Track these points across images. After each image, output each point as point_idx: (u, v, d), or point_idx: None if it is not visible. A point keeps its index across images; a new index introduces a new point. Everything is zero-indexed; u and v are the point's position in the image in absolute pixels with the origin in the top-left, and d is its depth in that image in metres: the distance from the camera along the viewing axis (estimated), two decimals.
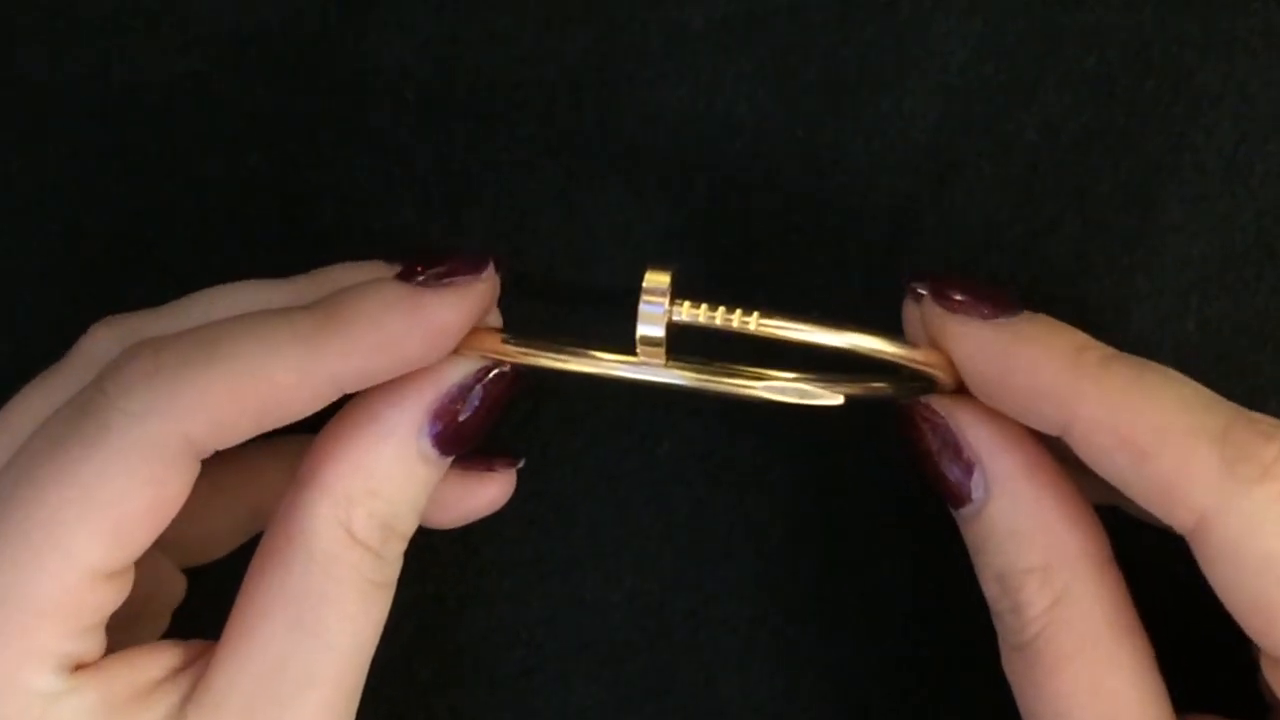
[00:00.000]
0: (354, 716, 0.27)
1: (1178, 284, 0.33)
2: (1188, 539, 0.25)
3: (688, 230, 0.34)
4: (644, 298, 0.26)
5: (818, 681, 0.34)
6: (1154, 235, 0.33)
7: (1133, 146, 0.33)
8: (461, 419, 0.27)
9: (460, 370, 0.27)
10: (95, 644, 0.26)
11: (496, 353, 0.28)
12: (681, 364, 0.27)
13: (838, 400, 0.27)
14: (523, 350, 0.27)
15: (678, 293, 0.27)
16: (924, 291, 0.27)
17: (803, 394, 0.27)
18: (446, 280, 0.26)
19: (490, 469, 0.31)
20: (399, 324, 0.26)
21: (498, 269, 0.28)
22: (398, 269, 0.27)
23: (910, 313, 0.29)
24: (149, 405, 0.25)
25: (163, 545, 0.30)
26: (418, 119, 0.34)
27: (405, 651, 0.34)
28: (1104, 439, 0.25)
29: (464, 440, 0.27)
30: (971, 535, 0.27)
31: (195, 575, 0.32)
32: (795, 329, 0.27)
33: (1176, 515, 0.25)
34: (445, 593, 0.34)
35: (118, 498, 0.25)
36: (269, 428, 0.26)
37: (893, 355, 0.27)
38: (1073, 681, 0.26)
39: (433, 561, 0.34)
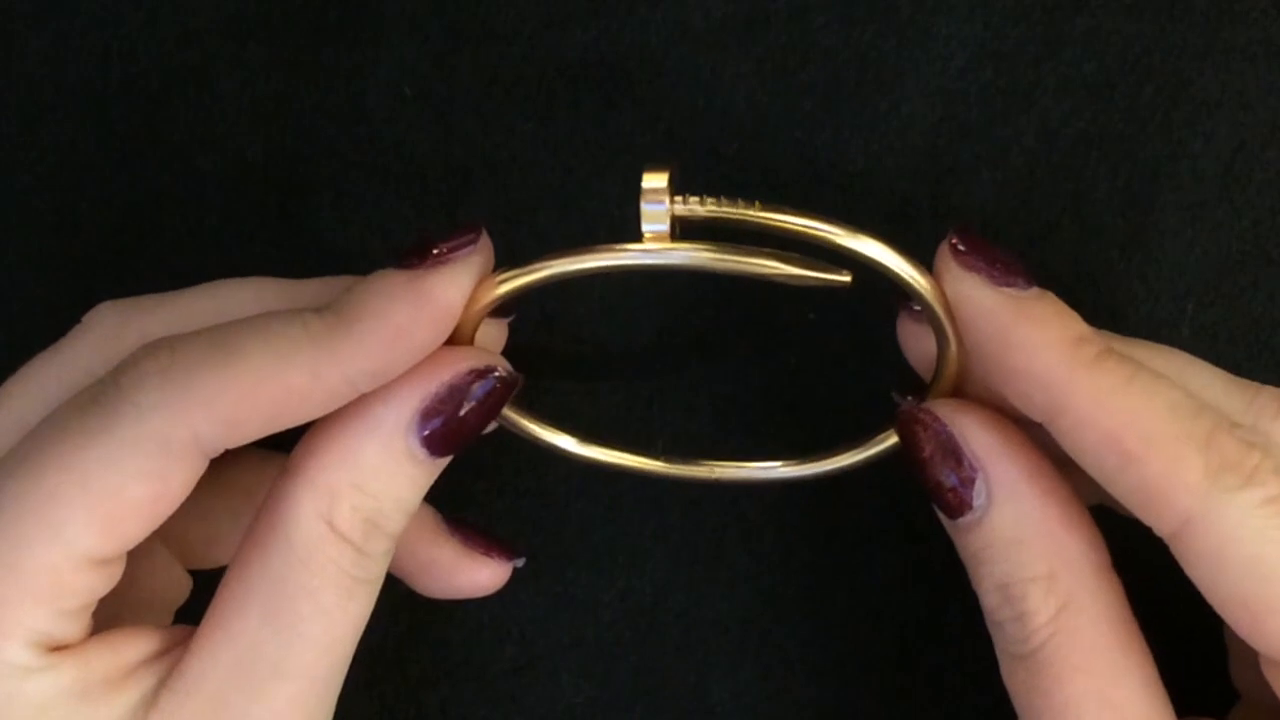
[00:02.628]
0: (330, 711, 0.27)
1: (1174, 290, 0.33)
2: (1169, 541, 0.25)
3: (687, 230, 0.34)
4: (645, 197, 0.26)
5: (808, 682, 0.34)
6: (1151, 241, 0.33)
7: (1130, 152, 0.33)
8: (452, 420, 0.27)
9: (452, 369, 0.27)
10: (77, 627, 0.26)
11: (495, 295, 0.27)
12: (689, 245, 0.26)
13: (845, 279, 0.26)
14: (523, 272, 0.27)
15: (676, 191, 0.27)
16: (954, 244, 0.27)
17: (807, 272, 0.26)
18: (444, 259, 0.26)
19: (488, 554, 0.31)
20: (405, 313, 0.26)
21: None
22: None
23: (905, 328, 0.29)
24: (159, 400, 0.25)
25: (168, 542, 0.30)
26: (416, 115, 0.34)
27: (396, 648, 0.34)
28: (1092, 437, 0.25)
29: (453, 441, 0.27)
30: (969, 544, 0.27)
31: (200, 577, 0.32)
32: (798, 220, 0.26)
33: (1160, 519, 0.25)
34: None
35: (117, 488, 0.25)
36: (280, 429, 0.26)
37: (895, 271, 0.27)
38: (1081, 691, 0.26)
39: None
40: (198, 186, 0.35)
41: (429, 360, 0.27)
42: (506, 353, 0.32)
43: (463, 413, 0.27)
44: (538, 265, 0.27)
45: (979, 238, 0.27)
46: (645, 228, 0.26)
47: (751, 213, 0.26)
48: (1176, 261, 0.33)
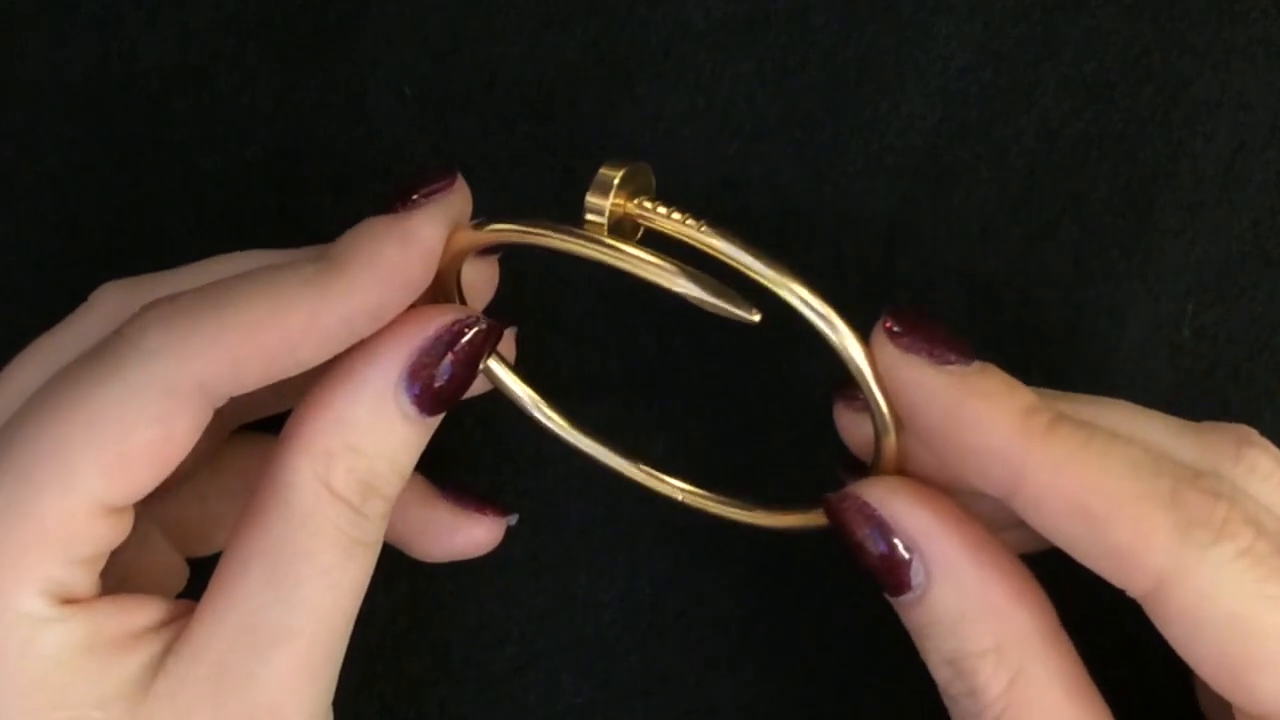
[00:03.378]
0: (334, 678, 0.27)
1: (1174, 290, 0.33)
2: (1142, 602, 0.25)
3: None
4: (592, 187, 0.26)
5: (808, 682, 0.34)
6: (1151, 241, 0.33)
7: (1131, 152, 0.33)
8: (437, 373, 0.27)
9: (435, 324, 0.27)
10: (88, 580, 0.26)
11: (472, 241, 0.28)
12: (622, 244, 0.26)
13: (754, 318, 0.26)
14: (495, 229, 0.27)
15: (640, 194, 0.27)
16: (889, 327, 0.26)
17: (717, 299, 0.26)
18: (425, 199, 0.27)
19: (481, 512, 0.32)
20: (393, 252, 0.27)
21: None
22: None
23: (841, 416, 0.29)
24: (162, 344, 0.26)
25: (165, 529, 0.31)
26: (416, 114, 0.34)
27: (396, 647, 0.34)
28: (1055, 506, 0.25)
29: (441, 397, 0.27)
30: (914, 621, 0.27)
31: (196, 567, 0.32)
32: (736, 253, 0.26)
33: (1133, 581, 0.25)
34: (437, 589, 0.34)
35: (125, 432, 0.25)
36: (282, 374, 0.27)
37: (823, 327, 0.26)
38: None
39: None
40: (198, 186, 0.35)
41: (410, 318, 0.27)
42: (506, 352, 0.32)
43: (447, 367, 0.27)
44: (508, 225, 0.27)
45: (914, 315, 0.26)
46: (586, 215, 0.27)
47: (690, 231, 0.26)
48: (1176, 261, 0.33)
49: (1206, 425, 0.27)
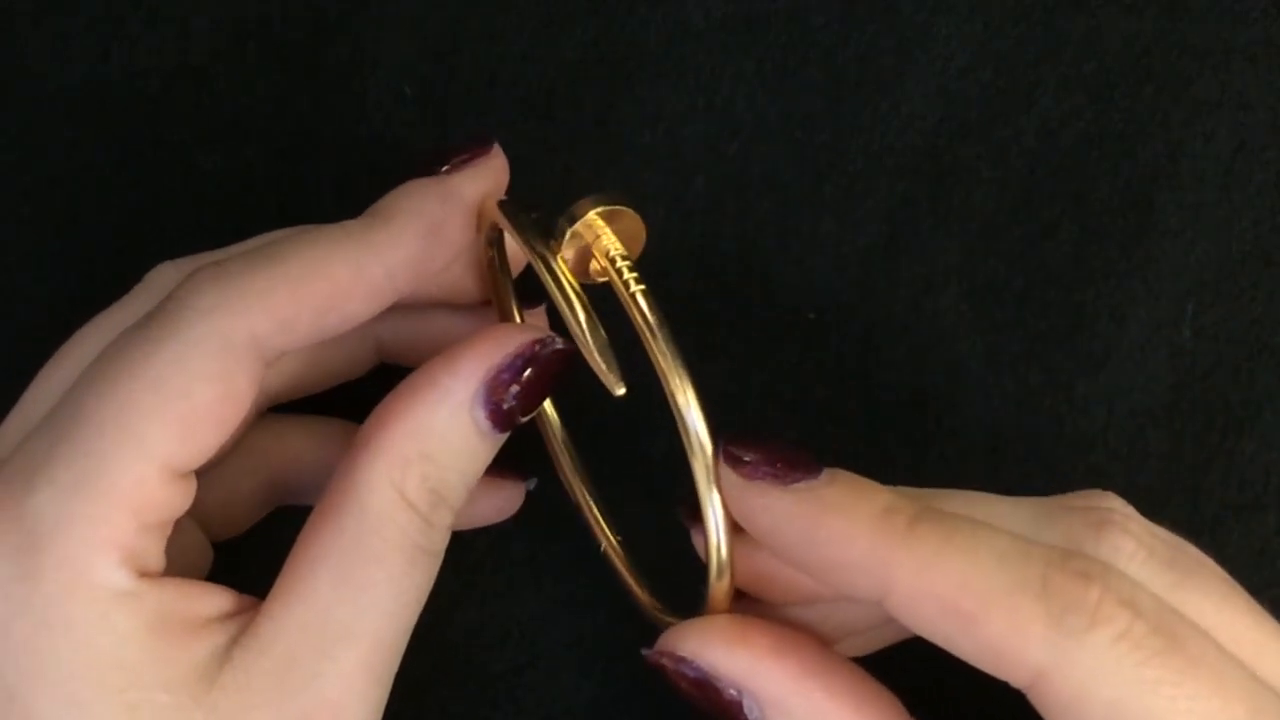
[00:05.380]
0: (391, 679, 0.28)
1: (1174, 290, 0.33)
2: (1027, 694, 0.24)
3: (686, 230, 0.34)
4: (561, 218, 0.27)
5: None
6: (1151, 241, 0.33)
7: (1131, 152, 0.33)
8: (514, 391, 0.28)
9: (516, 341, 0.28)
10: (157, 550, 0.26)
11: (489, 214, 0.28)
12: (562, 272, 0.27)
13: (619, 391, 0.27)
14: (493, 211, 0.28)
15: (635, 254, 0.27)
16: (730, 454, 0.26)
17: (593, 355, 0.27)
18: (465, 162, 0.29)
19: (501, 478, 0.32)
20: (435, 207, 0.28)
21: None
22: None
23: (699, 541, 0.28)
24: (216, 301, 0.26)
25: (192, 512, 0.31)
26: (417, 114, 0.34)
27: None
28: (925, 608, 0.24)
29: (514, 414, 0.28)
30: None
31: (221, 550, 0.32)
32: (650, 340, 0.26)
33: (1012, 674, 0.24)
34: (437, 589, 0.34)
35: (187, 389, 0.26)
36: (332, 330, 0.27)
37: (688, 434, 0.26)
38: None
39: None
40: (198, 186, 0.35)
41: (491, 334, 0.28)
42: None
43: (523, 385, 0.28)
44: (503, 214, 0.28)
45: (749, 437, 0.26)
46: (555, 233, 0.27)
47: (622, 284, 0.27)
48: (1177, 261, 0.33)
49: (1066, 500, 0.26)
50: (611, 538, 0.32)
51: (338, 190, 0.35)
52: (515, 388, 0.27)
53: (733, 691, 0.26)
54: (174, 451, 0.26)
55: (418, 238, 0.28)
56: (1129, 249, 0.33)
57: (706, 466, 0.26)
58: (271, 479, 0.32)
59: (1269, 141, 0.33)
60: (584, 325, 0.27)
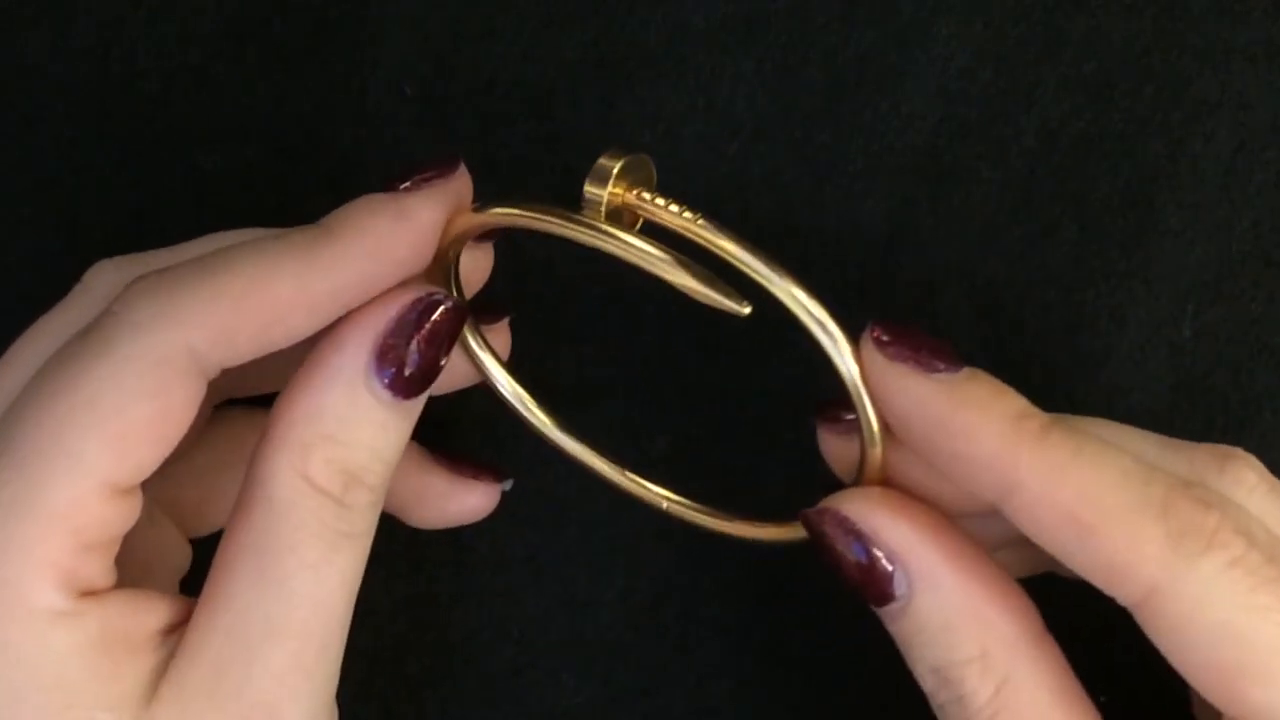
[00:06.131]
0: (332, 675, 0.27)
1: (1174, 290, 0.33)
2: (1133, 611, 0.25)
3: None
4: (590, 177, 0.26)
5: (808, 682, 0.34)
6: (1151, 241, 0.33)
7: (1131, 152, 0.33)
8: (407, 355, 0.27)
9: (396, 304, 0.27)
10: (102, 568, 0.26)
11: (471, 224, 0.28)
12: (617, 230, 0.26)
13: (744, 310, 0.26)
14: (500, 210, 0.27)
15: (636, 185, 0.27)
16: (877, 336, 0.26)
17: (709, 290, 0.26)
18: (425, 182, 0.28)
19: (476, 478, 0.32)
20: (386, 227, 0.27)
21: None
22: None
23: (825, 440, 0.29)
24: (152, 315, 0.26)
25: (165, 508, 0.30)
26: (417, 114, 0.34)
27: (396, 648, 0.34)
28: (1046, 514, 0.25)
29: (414, 378, 0.27)
30: (899, 631, 0.27)
31: (201, 547, 0.32)
32: (734, 249, 0.26)
33: (1123, 590, 0.25)
34: (437, 590, 0.34)
35: (123, 405, 0.25)
36: (273, 345, 0.27)
37: (816, 330, 0.26)
38: None
39: (424, 558, 0.34)
40: (198, 186, 0.35)
41: (373, 301, 0.27)
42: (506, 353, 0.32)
43: (415, 347, 0.27)
44: (509, 208, 0.27)
45: (901, 325, 0.26)
46: (584, 204, 0.27)
47: (687, 224, 0.26)
48: (1177, 262, 0.33)
49: (1194, 444, 0.27)
50: (667, 494, 0.31)
51: (337, 190, 0.34)
52: (413, 351, 0.27)
53: (886, 563, 0.26)
54: (112, 469, 0.25)
55: (364, 257, 0.27)
56: (1129, 249, 0.33)
57: (840, 346, 0.26)
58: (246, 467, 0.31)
59: (1269, 141, 0.33)
60: (680, 264, 0.26)
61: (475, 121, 0.34)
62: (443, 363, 0.28)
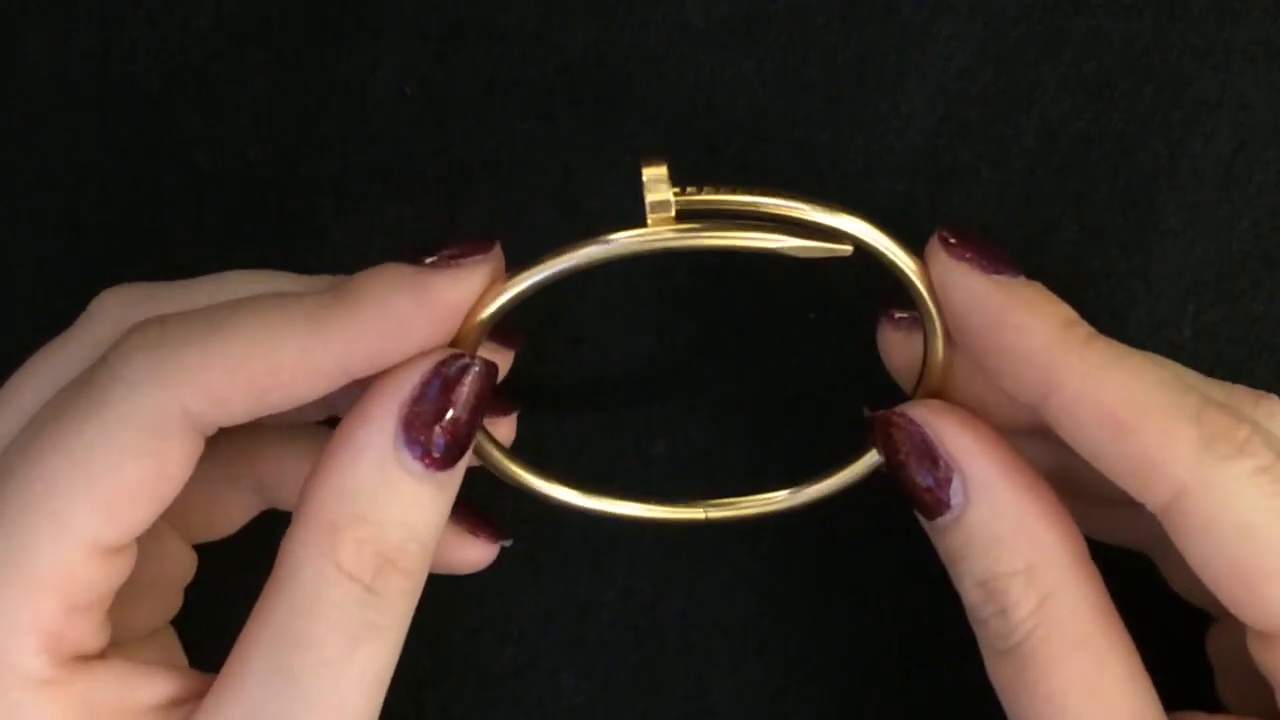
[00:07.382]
0: None
1: (1175, 290, 0.33)
2: (1161, 515, 0.26)
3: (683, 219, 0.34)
4: (648, 188, 0.26)
5: (808, 682, 0.34)
6: (1151, 241, 0.33)
7: (1131, 152, 0.33)
8: (444, 422, 0.26)
9: (419, 370, 0.26)
10: (91, 630, 0.25)
11: (500, 303, 0.27)
12: (692, 226, 0.26)
13: (846, 249, 0.27)
14: (527, 275, 0.26)
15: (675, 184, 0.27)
16: (945, 238, 0.27)
17: (810, 243, 0.27)
18: (453, 261, 0.26)
19: (475, 534, 0.31)
20: (405, 304, 0.25)
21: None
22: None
23: (885, 336, 0.29)
24: (147, 375, 0.25)
25: (169, 519, 0.30)
26: (417, 114, 0.34)
27: None
28: (1084, 412, 0.25)
29: (447, 445, 0.26)
30: (949, 544, 0.27)
31: (207, 552, 0.32)
32: (788, 203, 0.27)
33: (1153, 490, 0.25)
34: (437, 590, 0.34)
35: (114, 467, 0.24)
36: (272, 409, 0.26)
37: (881, 250, 0.27)
38: (1066, 681, 0.26)
39: None
40: (198, 186, 0.35)
41: (393, 372, 0.26)
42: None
43: (447, 410, 0.26)
44: (542, 265, 0.26)
45: (969, 230, 0.27)
46: (651, 216, 0.26)
47: (745, 197, 0.27)
48: (1176, 261, 0.33)
49: (1233, 385, 0.28)
50: (703, 509, 0.31)
51: (337, 190, 0.35)
52: (444, 416, 0.26)
53: (946, 469, 0.27)
54: (101, 530, 0.25)
55: (377, 333, 0.25)
56: (1129, 249, 0.33)
57: (908, 260, 0.27)
58: (255, 485, 0.31)
59: (1269, 141, 0.33)
60: (780, 232, 0.26)
61: (475, 121, 0.34)
62: (475, 426, 0.26)
